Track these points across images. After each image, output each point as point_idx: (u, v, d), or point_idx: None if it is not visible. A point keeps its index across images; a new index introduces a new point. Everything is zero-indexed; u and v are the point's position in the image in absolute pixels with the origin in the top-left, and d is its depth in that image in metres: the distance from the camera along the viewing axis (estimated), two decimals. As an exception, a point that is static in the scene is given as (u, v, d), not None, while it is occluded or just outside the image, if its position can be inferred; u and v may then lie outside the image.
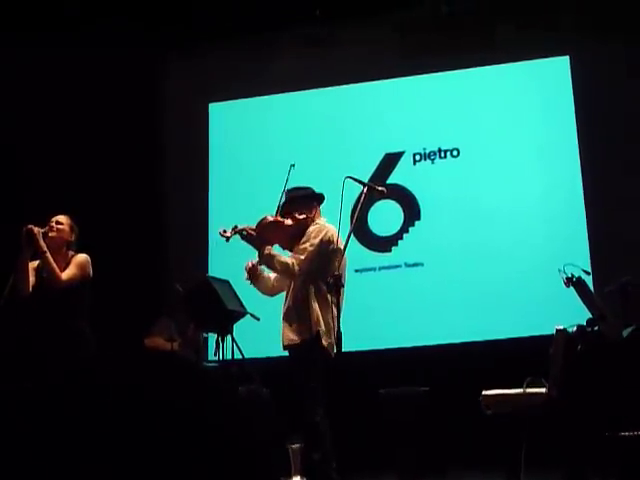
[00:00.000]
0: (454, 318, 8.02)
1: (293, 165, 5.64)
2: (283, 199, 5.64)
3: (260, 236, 5.46)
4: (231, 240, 5.54)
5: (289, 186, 5.59)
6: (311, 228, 5.46)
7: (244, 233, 5.48)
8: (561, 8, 8.31)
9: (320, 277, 5.33)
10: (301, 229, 5.49)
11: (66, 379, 5.07)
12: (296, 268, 5.34)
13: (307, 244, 5.39)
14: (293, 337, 5.33)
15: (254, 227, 5.49)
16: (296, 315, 5.35)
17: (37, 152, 8.38)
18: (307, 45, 8.86)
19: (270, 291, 5.69)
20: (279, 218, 5.51)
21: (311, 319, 5.26)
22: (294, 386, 5.27)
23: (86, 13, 8.48)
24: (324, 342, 5.25)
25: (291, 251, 5.45)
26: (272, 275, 5.60)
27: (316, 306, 5.29)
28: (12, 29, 8.20)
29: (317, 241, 5.38)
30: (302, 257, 5.36)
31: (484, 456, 5.96)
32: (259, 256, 5.49)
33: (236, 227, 5.53)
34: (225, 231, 5.55)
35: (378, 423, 6.96)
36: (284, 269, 5.39)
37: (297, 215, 5.53)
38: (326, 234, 5.40)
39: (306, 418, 5.17)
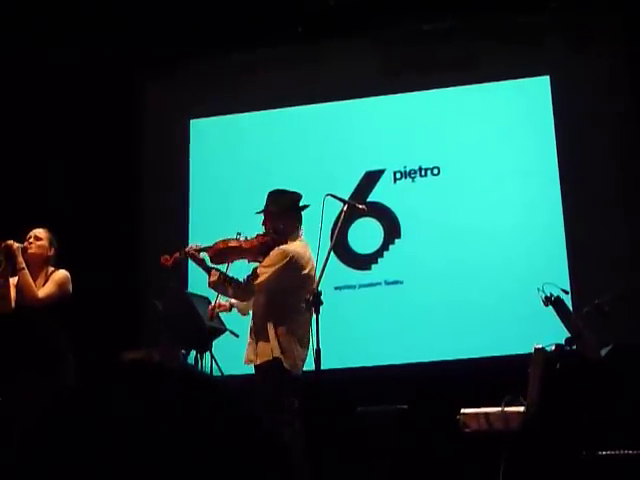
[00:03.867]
0: (433, 336, 8.01)
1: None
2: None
3: (217, 257, 5.44)
4: (205, 257, 5.53)
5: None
6: (275, 251, 5.41)
7: (194, 256, 5.49)
8: (541, 28, 8.35)
9: (285, 300, 5.31)
10: (267, 246, 5.45)
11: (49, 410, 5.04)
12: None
13: (264, 269, 5.35)
14: (252, 357, 5.34)
15: (209, 247, 5.47)
16: (256, 336, 5.34)
17: (13, 166, 8.36)
18: (289, 62, 8.86)
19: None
20: (236, 243, 5.47)
21: (270, 342, 5.24)
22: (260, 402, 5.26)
23: (64, 30, 8.45)
24: (286, 365, 5.21)
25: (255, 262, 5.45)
26: None
27: (274, 329, 5.26)
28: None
29: (276, 268, 5.32)
30: (260, 279, 5.34)
31: (463, 474, 5.96)
32: (208, 282, 5.48)
33: (189, 249, 5.53)
34: (167, 259, 5.56)
35: (356, 441, 6.95)
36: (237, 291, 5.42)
37: (261, 237, 5.49)
38: (290, 260, 5.34)
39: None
